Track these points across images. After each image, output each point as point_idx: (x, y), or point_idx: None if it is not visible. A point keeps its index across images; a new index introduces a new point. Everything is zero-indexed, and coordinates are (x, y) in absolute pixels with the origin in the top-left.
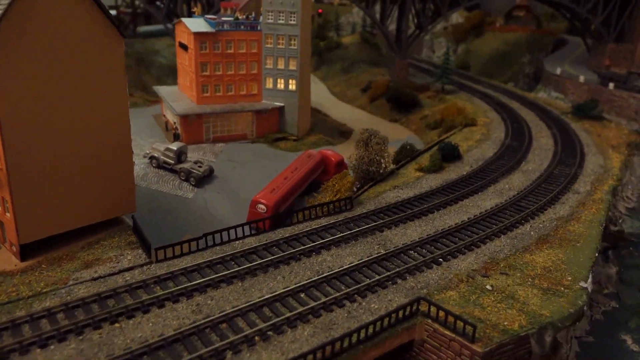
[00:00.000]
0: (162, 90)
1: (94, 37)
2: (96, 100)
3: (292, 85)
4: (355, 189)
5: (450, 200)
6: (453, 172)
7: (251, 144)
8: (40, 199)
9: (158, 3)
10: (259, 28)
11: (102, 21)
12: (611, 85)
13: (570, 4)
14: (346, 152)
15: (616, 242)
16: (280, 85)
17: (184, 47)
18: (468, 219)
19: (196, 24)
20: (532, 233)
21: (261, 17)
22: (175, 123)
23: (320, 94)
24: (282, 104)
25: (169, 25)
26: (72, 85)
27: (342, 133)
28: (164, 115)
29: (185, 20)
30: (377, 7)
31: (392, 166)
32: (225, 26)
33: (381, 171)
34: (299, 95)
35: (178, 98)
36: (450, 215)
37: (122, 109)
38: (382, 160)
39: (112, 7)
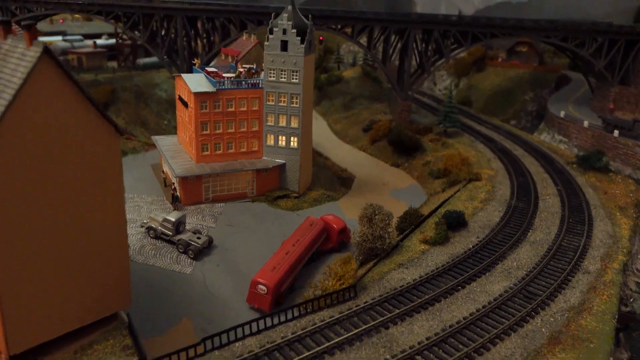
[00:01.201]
0: (161, 142)
1: (90, 136)
2: (91, 198)
3: (294, 143)
4: (357, 262)
5: (457, 285)
6: (459, 244)
7: (251, 203)
8: (31, 305)
9: (158, 40)
10: (260, 85)
11: (98, 121)
12: (616, 133)
13: (574, 48)
14: (348, 204)
15: (627, 323)
16: (282, 142)
17: (184, 102)
18: (476, 310)
19: (196, 81)
20: (543, 330)
21: (262, 74)
22: (174, 183)
23: (321, 133)
24: (283, 162)
25: (166, 58)
26: (66, 186)
27: (344, 181)
28: (163, 172)
29: (185, 76)
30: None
31: (396, 236)
32: (227, 84)
33: (385, 247)
34: (300, 152)
35: (177, 154)
36: (458, 305)
37: (117, 205)
38: (386, 236)
39: (112, 35)
